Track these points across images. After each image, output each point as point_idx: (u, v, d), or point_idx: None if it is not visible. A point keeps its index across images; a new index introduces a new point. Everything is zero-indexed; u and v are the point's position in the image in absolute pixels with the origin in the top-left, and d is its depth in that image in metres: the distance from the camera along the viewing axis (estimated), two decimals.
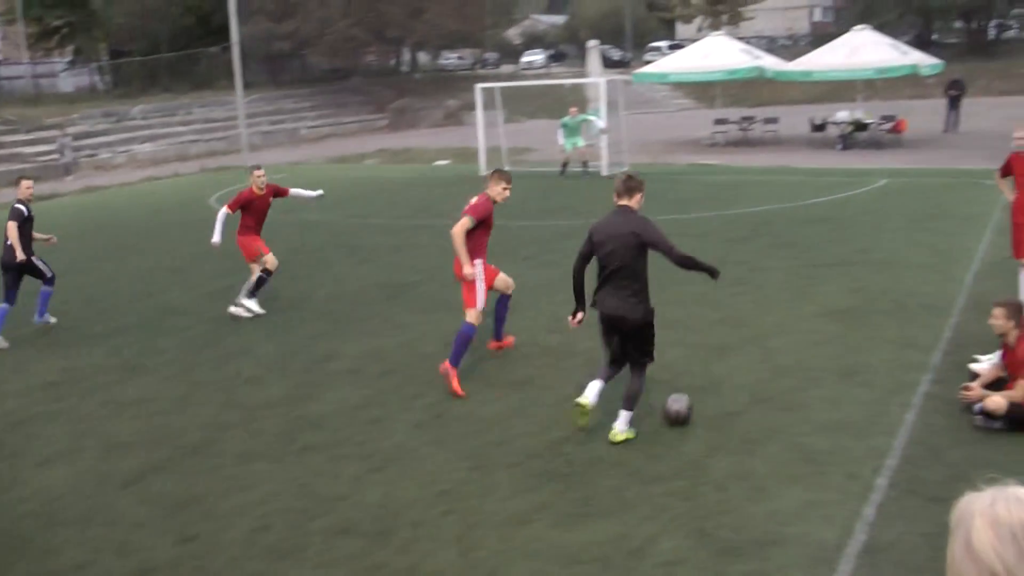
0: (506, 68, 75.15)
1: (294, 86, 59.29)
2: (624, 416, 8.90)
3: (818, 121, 34.52)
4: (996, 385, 9.02)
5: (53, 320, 14.29)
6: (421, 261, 17.31)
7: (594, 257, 9.04)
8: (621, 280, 8.82)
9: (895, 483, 7.66)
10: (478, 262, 10.64)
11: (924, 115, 34.48)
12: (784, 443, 8.59)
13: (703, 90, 55.14)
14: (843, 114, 33.84)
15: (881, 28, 47.96)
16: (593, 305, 9.15)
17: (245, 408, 10.38)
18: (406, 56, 70.84)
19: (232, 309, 14.22)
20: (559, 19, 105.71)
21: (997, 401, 8.56)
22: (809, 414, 9.23)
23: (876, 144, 32.66)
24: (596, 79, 31.47)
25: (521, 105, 50.04)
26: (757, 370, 10.64)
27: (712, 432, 8.94)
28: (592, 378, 9.16)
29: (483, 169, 28.17)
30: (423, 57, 74.17)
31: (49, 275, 13.96)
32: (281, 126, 48.84)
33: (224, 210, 14.05)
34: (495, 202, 10.75)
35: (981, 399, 8.71)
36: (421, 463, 8.64)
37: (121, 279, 17.22)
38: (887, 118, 33.58)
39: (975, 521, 2.17)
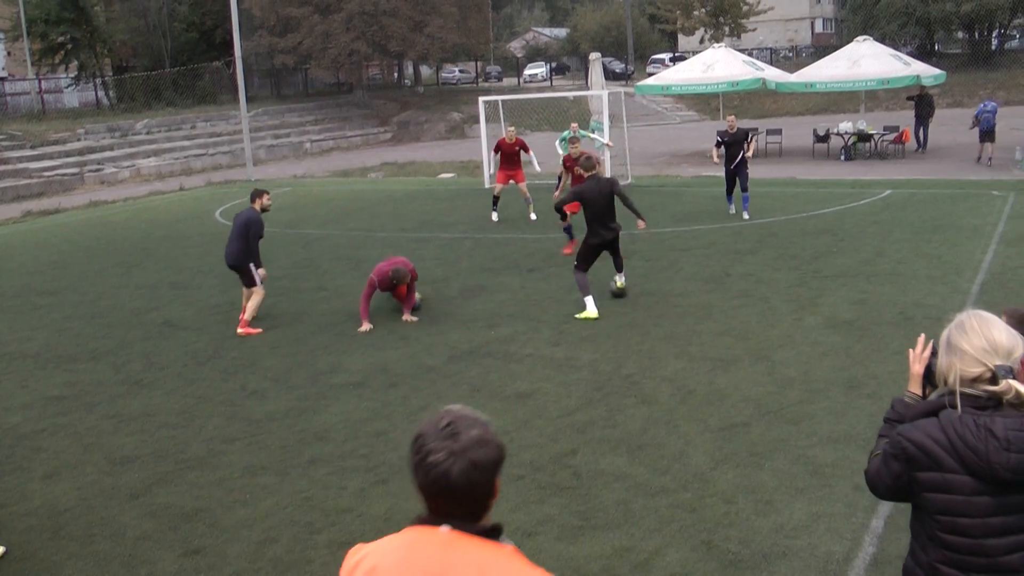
0: (509, 81, 75.25)
1: (297, 100, 59.49)
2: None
3: (821, 132, 34.51)
4: None
5: None
6: (425, 274, 17.27)
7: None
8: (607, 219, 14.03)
9: None
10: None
11: (932, 126, 34.41)
12: (790, 455, 8.56)
13: (705, 102, 55.29)
14: (846, 125, 33.82)
15: (883, 39, 48.20)
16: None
17: (249, 421, 10.37)
18: (409, 70, 70.96)
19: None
20: (561, 32, 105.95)
21: None
22: (815, 426, 9.20)
23: (880, 155, 32.68)
24: (598, 91, 31.50)
25: (524, 118, 50.09)
26: (762, 382, 10.62)
27: (718, 444, 8.92)
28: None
29: (487, 182, 28.17)
30: (426, 70, 74.29)
31: None
32: (285, 140, 48.92)
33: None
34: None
35: None
36: None
37: (124, 294, 17.21)
38: (890, 129, 33.58)
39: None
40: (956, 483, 3.60)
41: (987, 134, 29.00)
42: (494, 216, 22.87)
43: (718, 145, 21.29)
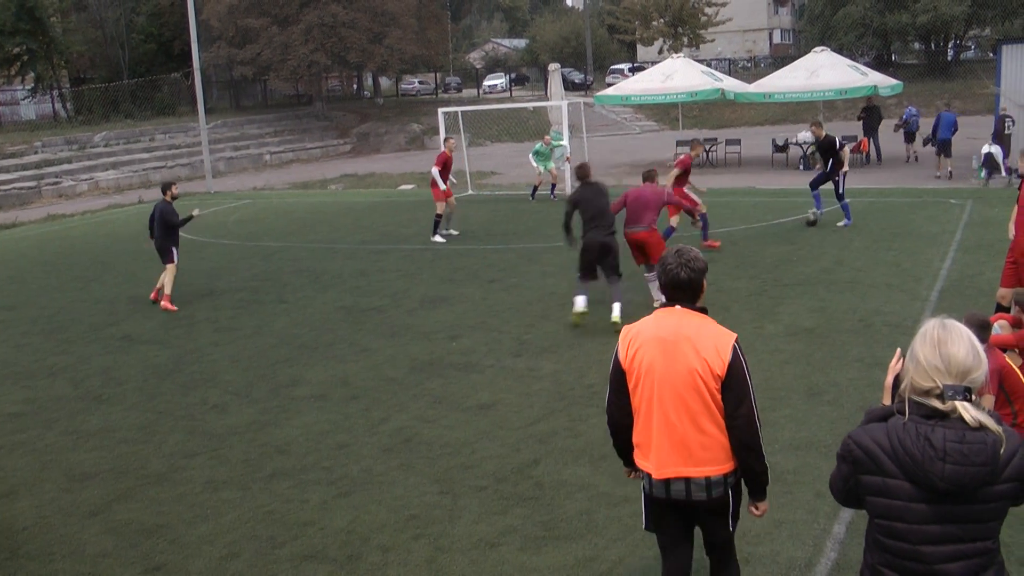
0: (468, 92, 75.28)
1: (256, 112, 59.22)
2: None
3: (780, 142, 34.70)
4: None
5: None
6: (386, 286, 17.27)
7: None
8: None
9: None
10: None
11: (886, 135, 34.76)
12: None
13: (665, 112, 55.54)
14: (805, 135, 34.01)
15: (840, 50, 48.63)
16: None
17: (210, 435, 10.29)
18: (368, 81, 70.82)
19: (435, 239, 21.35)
20: (520, 43, 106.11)
21: None
22: (776, 433, 9.24)
23: None
24: (558, 102, 31.58)
25: (484, 129, 50.13)
26: None
27: None
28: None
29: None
30: (385, 82, 74.14)
31: None
32: (244, 152, 48.67)
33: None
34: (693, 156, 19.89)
35: None
36: (389, 488, 8.59)
37: (83, 308, 17.06)
38: (848, 138, 33.80)
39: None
40: (895, 488, 3.67)
41: (911, 135, 32.75)
42: (437, 238, 21.73)
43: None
